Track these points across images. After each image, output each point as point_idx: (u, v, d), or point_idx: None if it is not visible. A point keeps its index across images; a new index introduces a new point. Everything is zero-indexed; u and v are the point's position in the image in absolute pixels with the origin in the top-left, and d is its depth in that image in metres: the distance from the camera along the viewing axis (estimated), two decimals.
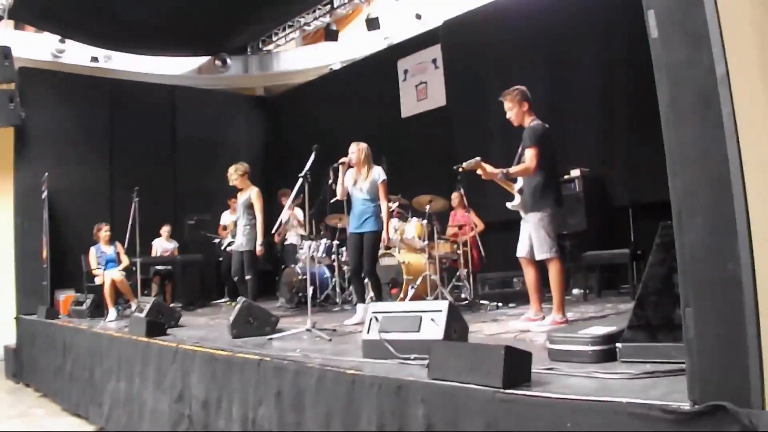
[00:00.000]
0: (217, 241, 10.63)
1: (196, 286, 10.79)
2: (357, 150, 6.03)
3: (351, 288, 7.44)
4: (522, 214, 4.59)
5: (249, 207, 7.24)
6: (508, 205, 4.69)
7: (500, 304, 6.37)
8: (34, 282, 10.12)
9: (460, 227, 7.39)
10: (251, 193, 7.21)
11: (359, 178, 6.01)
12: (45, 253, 9.92)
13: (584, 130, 7.74)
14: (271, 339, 4.97)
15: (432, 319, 3.47)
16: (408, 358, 3.35)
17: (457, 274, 7.31)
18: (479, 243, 7.38)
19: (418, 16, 11.23)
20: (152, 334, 5.72)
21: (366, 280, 6.08)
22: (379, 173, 5.98)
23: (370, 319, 3.69)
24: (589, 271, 6.60)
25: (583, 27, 7.87)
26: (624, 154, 7.25)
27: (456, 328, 3.53)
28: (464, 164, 4.35)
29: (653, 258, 2.84)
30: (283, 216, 7.36)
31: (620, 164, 7.32)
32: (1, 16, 9.54)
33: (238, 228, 7.48)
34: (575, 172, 7.17)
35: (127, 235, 8.14)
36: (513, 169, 4.40)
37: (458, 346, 2.85)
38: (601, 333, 2.97)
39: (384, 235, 5.91)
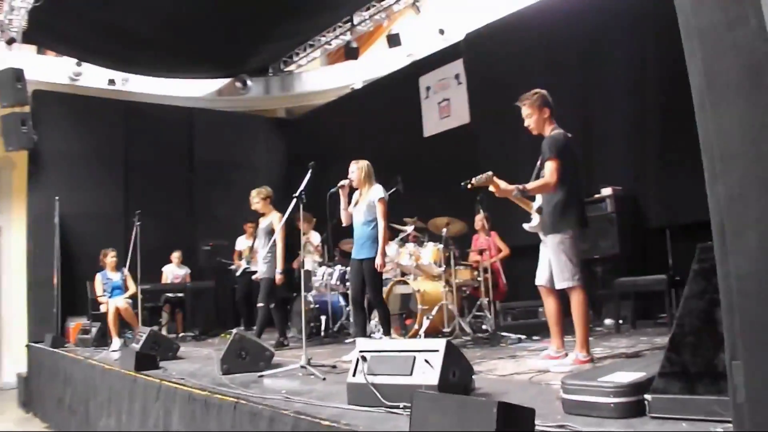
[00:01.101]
0: (232, 267, 10.22)
1: (210, 315, 10.42)
2: (357, 169, 5.58)
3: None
4: (541, 236, 4.03)
5: (270, 233, 6.87)
6: (525, 226, 4.15)
7: (523, 337, 5.77)
8: (46, 309, 9.83)
9: (481, 252, 6.82)
10: (273, 219, 6.85)
11: (360, 199, 5.53)
12: (55, 280, 9.63)
13: (616, 145, 7.14)
14: (261, 376, 4.51)
15: (426, 361, 2.95)
16: (397, 407, 2.83)
17: (478, 303, 6.74)
18: (501, 270, 6.79)
19: (441, 32, 10.78)
20: (142, 367, 5.30)
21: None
22: (377, 191, 5.50)
23: (357, 359, 3.17)
24: (622, 300, 5.94)
25: (614, 34, 7.29)
26: (660, 170, 6.58)
27: (455, 371, 3.01)
28: (473, 180, 3.82)
29: (690, 288, 2.28)
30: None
31: (656, 181, 6.65)
32: (15, 39, 9.36)
33: (258, 255, 7.17)
34: (607, 191, 6.55)
35: (128, 261, 7.76)
36: (530, 185, 3.85)
37: (444, 398, 2.32)
38: (626, 381, 2.41)
39: (378, 259, 5.37)
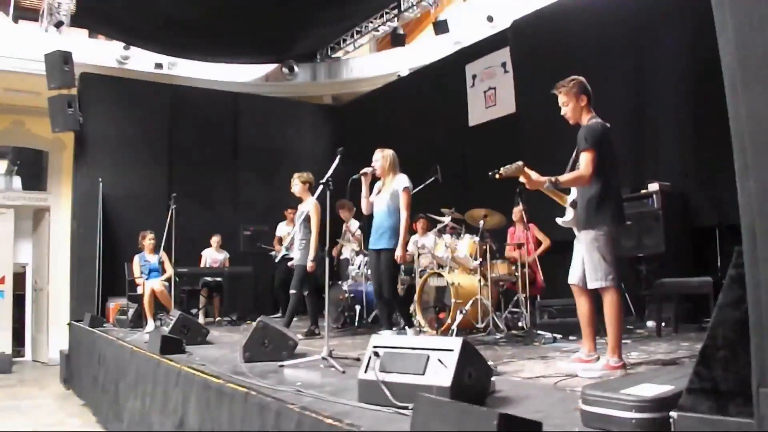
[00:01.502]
0: (272, 253, 10.20)
1: (248, 300, 10.42)
2: (381, 157, 5.41)
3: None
4: (575, 231, 3.79)
5: (306, 220, 6.77)
6: (559, 221, 3.91)
7: (558, 337, 5.52)
8: (88, 288, 10.00)
9: (519, 245, 6.57)
10: (309, 205, 6.71)
11: (383, 188, 5.36)
12: (97, 260, 9.78)
13: (666, 138, 6.77)
14: (282, 366, 4.40)
15: (439, 360, 2.78)
16: (406, 407, 2.67)
17: (515, 299, 6.52)
18: (539, 264, 6.54)
19: (490, 19, 10.48)
20: (167, 351, 5.27)
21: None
22: (401, 181, 5.33)
23: (370, 355, 3.02)
24: (664, 302, 5.61)
25: (667, 19, 6.90)
26: (711, 166, 6.19)
27: (471, 372, 2.82)
28: (502, 170, 3.59)
29: (725, 296, 2.03)
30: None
31: (706, 177, 6.27)
32: (63, 23, 9.48)
33: (294, 241, 7.06)
34: (653, 186, 6.20)
35: (163, 244, 7.76)
36: (564, 177, 3.61)
37: (445, 404, 2.15)
38: (650, 395, 2.19)
39: (398, 251, 5.19)
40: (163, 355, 5.18)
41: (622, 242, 6.30)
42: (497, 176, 3.61)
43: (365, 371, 3.00)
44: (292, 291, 6.78)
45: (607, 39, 7.57)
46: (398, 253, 5.18)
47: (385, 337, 3.13)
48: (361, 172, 5.44)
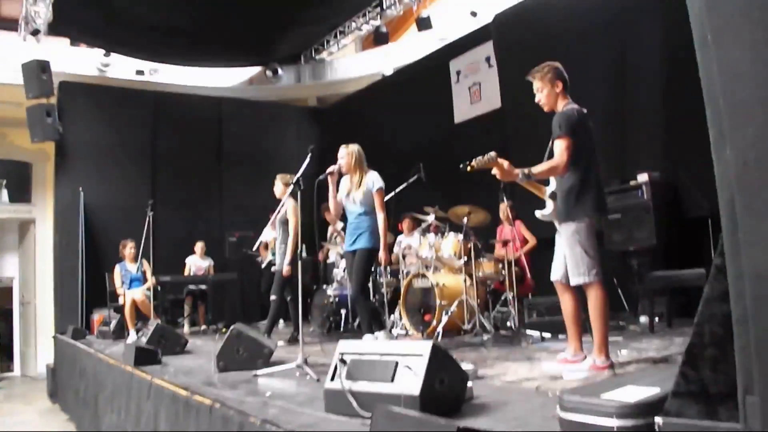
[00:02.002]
0: (259, 259, 9.99)
1: (235, 307, 10.20)
2: (346, 154, 5.19)
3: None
4: (556, 225, 3.59)
5: (285, 222, 6.57)
6: (538, 214, 3.71)
7: (547, 336, 5.32)
8: (72, 300, 9.78)
9: (506, 243, 6.37)
10: (288, 207, 6.48)
11: (352, 188, 5.16)
12: (80, 271, 9.56)
13: (654, 128, 6.57)
14: (256, 375, 4.20)
15: (408, 367, 2.58)
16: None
17: (502, 298, 6.32)
18: (524, 262, 6.34)
19: (474, 14, 10.28)
20: (142, 362, 5.06)
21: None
22: (373, 180, 5.12)
23: (336, 362, 2.82)
24: (657, 296, 5.40)
25: (650, 6, 6.71)
26: (701, 155, 5.95)
27: (444, 378, 2.63)
28: (474, 161, 3.39)
29: (710, 289, 1.84)
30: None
31: (696, 167, 6.05)
32: (39, 31, 9.26)
33: (276, 245, 6.89)
34: (642, 177, 5.99)
35: (141, 252, 7.56)
36: (537, 168, 3.40)
37: (402, 416, 1.95)
38: (632, 400, 1.99)
39: (381, 254, 4.99)
40: (137, 366, 4.98)
41: (613, 236, 6.12)
42: (468, 168, 3.41)
43: (331, 379, 2.80)
44: (272, 297, 6.58)
45: (590, 28, 7.38)
46: (382, 255, 4.98)
47: (352, 343, 2.92)
48: (327, 171, 5.23)
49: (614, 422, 1.95)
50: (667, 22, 6.51)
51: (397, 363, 2.63)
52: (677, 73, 6.33)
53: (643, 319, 5.69)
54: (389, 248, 7.17)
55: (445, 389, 2.62)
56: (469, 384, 2.95)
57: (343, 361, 2.82)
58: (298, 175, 4.43)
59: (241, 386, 3.77)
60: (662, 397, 1.95)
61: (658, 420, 1.88)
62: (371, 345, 2.87)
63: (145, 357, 5.14)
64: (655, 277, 5.16)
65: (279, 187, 6.70)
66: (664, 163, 6.32)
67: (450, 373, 2.69)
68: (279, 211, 6.73)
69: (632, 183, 6.04)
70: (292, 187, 4.42)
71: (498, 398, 2.89)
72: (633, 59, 6.95)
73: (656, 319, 5.37)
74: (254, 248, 5.81)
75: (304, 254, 10.32)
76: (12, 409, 9.59)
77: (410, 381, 2.53)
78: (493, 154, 3.37)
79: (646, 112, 6.66)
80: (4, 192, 13.35)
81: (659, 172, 6.10)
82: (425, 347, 2.61)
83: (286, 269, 6.40)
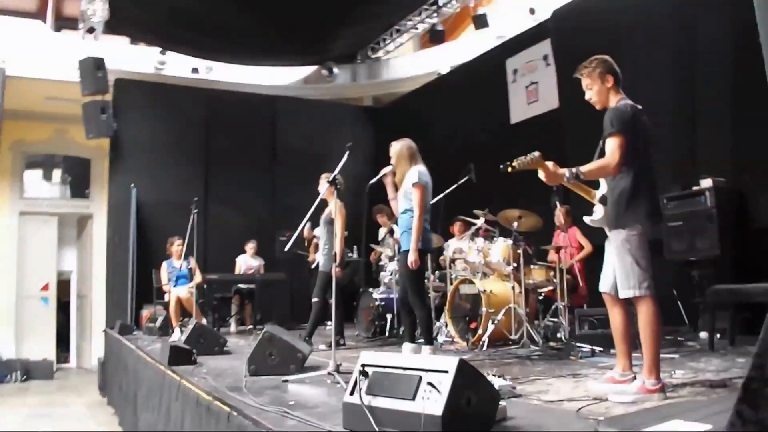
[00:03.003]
0: (309, 259, 9.90)
1: (285, 308, 10.15)
2: (393, 153, 4.97)
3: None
4: (606, 232, 3.30)
5: (330, 223, 6.41)
6: (587, 219, 3.42)
7: (598, 350, 4.98)
8: (122, 295, 9.90)
9: (558, 249, 6.06)
10: (333, 207, 6.33)
11: (400, 186, 4.92)
12: (130, 267, 9.67)
13: (721, 130, 6.12)
14: (286, 381, 4.03)
15: (431, 384, 2.35)
16: None
17: (553, 308, 6.01)
18: (578, 270, 6.01)
19: (532, 11, 9.95)
20: (176, 362, 4.97)
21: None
22: (413, 174, 4.83)
23: (358, 375, 2.62)
24: (718, 311, 4.98)
25: (724, 3, 6.27)
26: None
27: (470, 398, 2.38)
28: (515, 162, 3.13)
29: None
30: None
31: (765, 172, 5.59)
32: (95, 29, 9.42)
33: (319, 246, 6.74)
34: (706, 183, 5.58)
35: (183, 249, 7.54)
36: (586, 167, 3.11)
37: None
38: None
39: (410, 255, 4.70)
40: (171, 366, 4.90)
41: (673, 245, 5.73)
42: (509, 169, 3.15)
43: (351, 393, 2.60)
44: (314, 299, 6.43)
45: (654, 24, 6.99)
46: (410, 257, 4.68)
47: (375, 354, 2.71)
48: (381, 173, 5.02)
49: None
50: (738, 16, 6.06)
51: (420, 379, 2.40)
52: (748, 71, 5.88)
53: (704, 335, 5.28)
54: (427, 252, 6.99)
55: (473, 409, 2.38)
56: (503, 403, 2.71)
57: (364, 374, 2.60)
58: (335, 173, 4.27)
59: (267, 393, 3.61)
60: None
61: None
62: (395, 358, 2.65)
63: (180, 356, 5.05)
64: (717, 290, 4.75)
65: (324, 186, 6.53)
66: (731, 168, 5.88)
67: (479, 391, 2.44)
68: (324, 212, 6.60)
69: (695, 188, 5.63)
70: (329, 185, 4.23)
71: (533, 420, 2.63)
72: (702, 56, 6.50)
73: (717, 335, 4.96)
74: (286, 248, 5.64)
75: (355, 256, 10.26)
76: (63, 400, 9.80)
77: (433, 399, 2.30)
78: (537, 153, 3.10)
79: (714, 115, 6.22)
80: (67, 187, 13.74)
81: (724, 178, 5.67)
82: (451, 363, 2.37)
83: (337, 271, 6.22)
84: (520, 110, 9.40)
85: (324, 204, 6.67)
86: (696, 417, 1.93)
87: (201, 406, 3.61)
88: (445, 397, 2.27)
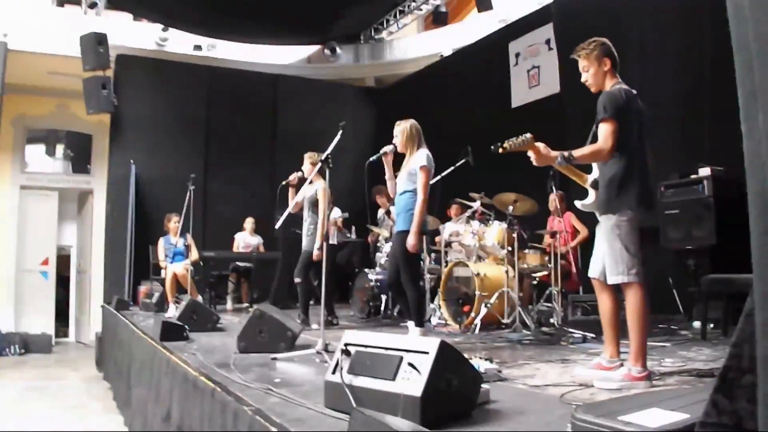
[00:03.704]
0: None
1: (282, 286, 10.14)
2: (400, 132, 4.90)
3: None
4: (597, 216, 3.27)
5: (314, 204, 6.38)
6: (578, 204, 3.39)
7: (590, 336, 4.98)
8: (120, 271, 9.92)
9: (553, 234, 6.03)
10: (317, 188, 6.29)
11: (403, 166, 4.88)
12: (128, 243, 9.68)
13: (720, 118, 6.06)
14: (275, 359, 4.04)
15: (411, 364, 2.33)
16: None
17: (546, 293, 5.99)
18: (572, 255, 5.98)
19: None
20: (167, 338, 5.00)
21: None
22: (420, 157, 4.79)
23: (340, 354, 2.61)
24: (711, 300, 4.95)
25: None
26: None
27: (452, 380, 2.37)
28: (506, 143, 3.10)
29: (755, 300, 1.53)
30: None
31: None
32: (97, 3, 9.35)
33: (303, 226, 6.66)
34: (704, 171, 5.52)
35: (180, 225, 7.53)
36: (578, 152, 3.08)
37: (376, 424, 1.71)
38: (653, 426, 1.70)
39: (410, 237, 4.67)
40: (162, 341, 4.91)
41: (669, 233, 5.69)
42: (501, 150, 3.12)
43: (332, 372, 2.59)
44: (296, 279, 6.40)
45: (660, 9, 6.89)
46: (410, 240, 4.65)
47: (358, 334, 2.70)
48: (381, 151, 4.99)
49: None
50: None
51: (401, 359, 2.39)
52: (750, 58, 5.81)
53: (697, 324, 5.27)
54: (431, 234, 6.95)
55: (454, 391, 2.37)
56: (487, 386, 2.70)
57: (347, 353, 2.60)
58: (327, 152, 4.23)
59: (254, 370, 3.62)
60: (690, 426, 1.66)
61: None
62: (377, 337, 2.63)
63: (171, 332, 5.08)
64: (711, 279, 4.72)
65: (307, 166, 6.47)
66: (729, 158, 5.82)
67: (460, 374, 2.43)
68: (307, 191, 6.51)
69: (693, 177, 5.58)
70: (319, 165, 4.18)
71: (515, 404, 2.62)
72: (708, 41, 6.42)
73: (710, 325, 4.94)
74: (277, 226, 5.65)
75: (354, 237, 10.21)
76: (60, 373, 9.82)
77: (413, 380, 2.29)
78: (528, 135, 3.07)
79: (716, 102, 6.15)
80: (68, 162, 13.72)
81: (723, 167, 5.62)
82: (433, 344, 2.36)
83: (316, 254, 6.19)
84: (521, 94, 9.35)
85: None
86: (676, 405, 1.92)
87: (188, 382, 3.61)
88: (425, 379, 2.27)
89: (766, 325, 0.98)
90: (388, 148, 4.96)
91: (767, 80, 0.79)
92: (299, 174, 5.47)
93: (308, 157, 6.40)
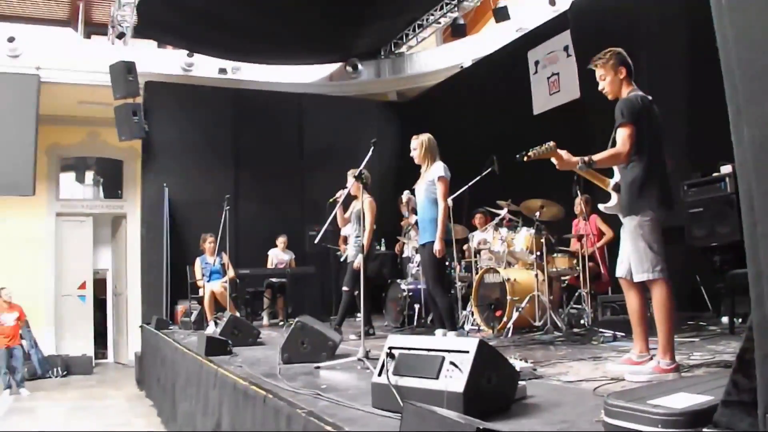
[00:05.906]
0: (338, 253, 10.10)
1: (316, 300, 10.37)
2: (417, 145, 5.12)
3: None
4: (621, 218, 3.42)
5: (360, 218, 6.62)
6: (601, 207, 3.55)
7: (620, 335, 5.09)
8: (157, 292, 10.20)
9: (580, 237, 6.16)
10: (364, 203, 6.52)
11: (420, 178, 5.09)
12: (165, 264, 9.97)
13: None
14: (318, 367, 4.22)
15: (452, 363, 2.51)
16: None
17: (576, 295, 6.11)
18: (599, 257, 6.10)
19: (552, 2, 9.99)
20: (212, 352, 5.20)
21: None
22: (438, 169, 5.01)
23: (385, 357, 2.79)
24: (739, 295, 5.04)
25: None
26: None
27: (491, 377, 2.54)
28: (531, 152, 3.28)
29: None
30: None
31: None
32: (125, 34, 9.71)
33: (349, 239, 7.01)
34: (726, 168, 5.63)
35: (216, 245, 7.78)
36: (598, 156, 3.24)
37: (427, 414, 1.89)
38: (680, 407, 1.86)
39: (436, 244, 4.88)
40: (208, 356, 5.12)
41: (694, 231, 5.80)
42: (525, 159, 3.30)
43: (379, 374, 2.77)
44: (344, 288, 6.65)
45: (674, 14, 7.01)
46: (437, 246, 4.87)
47: (401, 338, 2.89)
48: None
49: (659, 430, 1.83)
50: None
51: (443, 359, 2.57)
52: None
53: (725, 319, 5.36)
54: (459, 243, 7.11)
55: (493, 387, 2.54)
56: (523, 383, 2.86)
57: (391, 356, 2.78)
58: (361, 168, 4.44)
59: (300, 378, 3.80)
60: (713, 406, 1.81)
61: (706, 431, 1.75)
62: (419, 340, 2.82)
63: (215, 347, 5.28)
64: (735, 275, 4.82)
65: (351, 182, 6.71)
66: None
67: (499, 371, 2.60)
68: (353, 206, 6.79)
69: (715, 174, 5.70)
70: (356, 180, 4.41)
71: (551, 398, 2.78)
72: (715, 46, 6.54)
73: (738, 320, 5.04)
74: (316, 241, 5.86)
75: (383, 248, 10.38)
76: (103, 393, 10.13)
77: (455, 378, 2.46)
78: (551, 143, 3.25)
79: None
80: (100, 188, 14.14)
81: None
82: (472, 344, 2.53)
83: (356, 264, 6.43)
84: (542, 101, 9.48)
85: (352, 199, 6.87)
86: (701, 390, 2.07)
87: (238, 392, 3.81)
88: (467, 376, 2.43)
89: (761, 325, 1.14)
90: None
91: (749, 99, 0.95)
92: (345, 191, 5.75)
93: (351, 174, 6.61)
